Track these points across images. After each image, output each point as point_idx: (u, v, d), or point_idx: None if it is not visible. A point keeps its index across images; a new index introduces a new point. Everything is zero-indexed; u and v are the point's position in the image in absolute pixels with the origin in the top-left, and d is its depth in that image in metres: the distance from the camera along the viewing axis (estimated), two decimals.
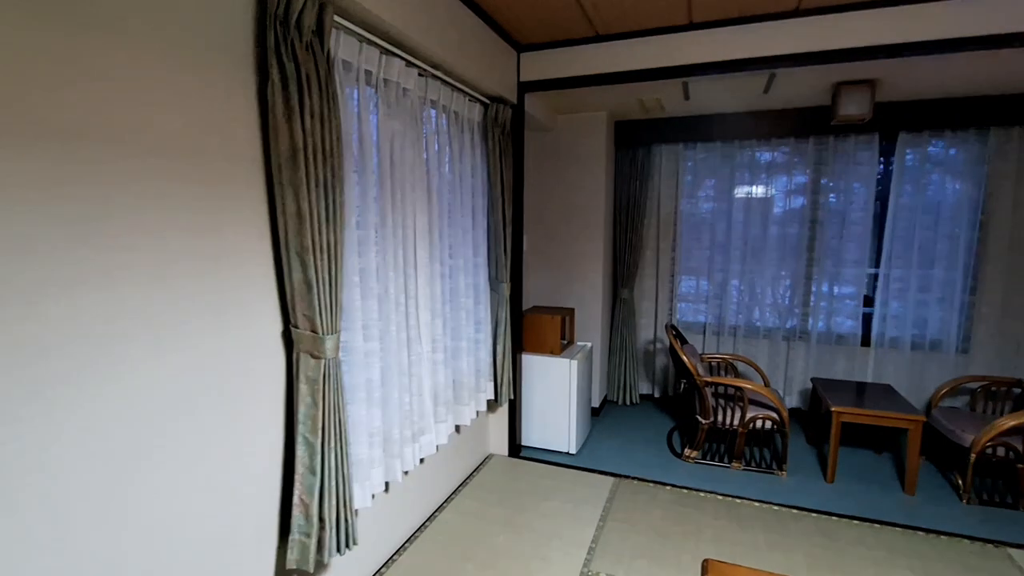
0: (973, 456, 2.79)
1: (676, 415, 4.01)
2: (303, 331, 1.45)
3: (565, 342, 3.48)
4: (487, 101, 2.68)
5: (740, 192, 3.88)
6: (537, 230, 3.83)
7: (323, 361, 1.45)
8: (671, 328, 3.50)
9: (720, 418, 3.20)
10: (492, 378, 2.90)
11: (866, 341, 3.70)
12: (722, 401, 3.22)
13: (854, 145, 3.55)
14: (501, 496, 2.81)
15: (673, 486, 2.96)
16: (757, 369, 3.71)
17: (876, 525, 2.60)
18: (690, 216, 4.03)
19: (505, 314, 2.84)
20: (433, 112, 2.22)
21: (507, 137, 2.78)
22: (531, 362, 3.29)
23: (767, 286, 3.89)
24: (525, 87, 2.91)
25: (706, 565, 1.65)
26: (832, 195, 3.68)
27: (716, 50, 2.56)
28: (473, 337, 2.64)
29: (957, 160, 3.42)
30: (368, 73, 1.74)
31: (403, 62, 1.91)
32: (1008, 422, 2.71)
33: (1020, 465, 2.76)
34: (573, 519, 2.60)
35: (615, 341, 4.13)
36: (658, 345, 4.26)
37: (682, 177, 3.99)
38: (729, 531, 2.52)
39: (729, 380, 3.15)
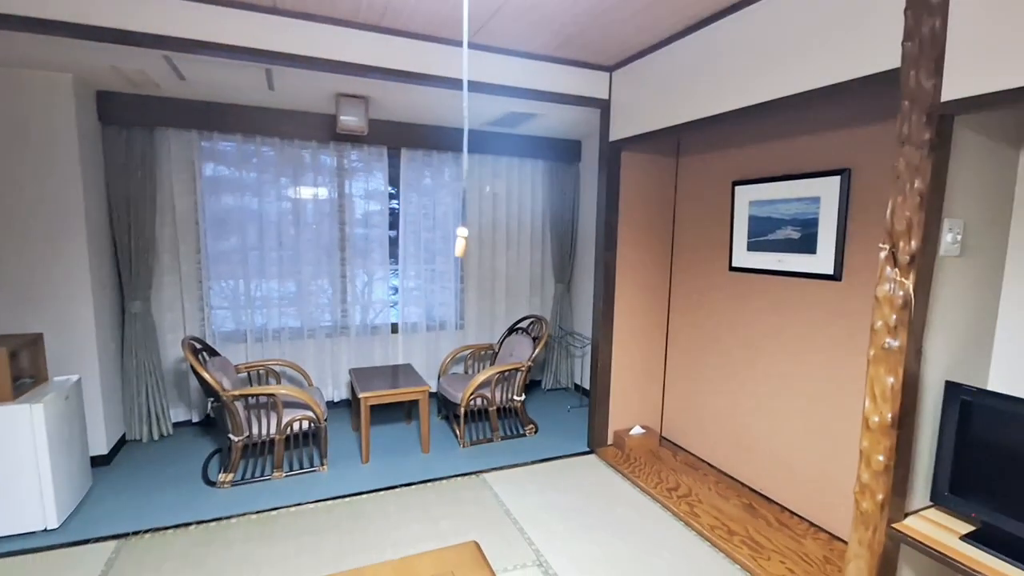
0: (462, 409, 3.81)
1: (218, 437, 3.83)
2: None
3: (28, 381, 2.75)
4: None
5: (270, 190, 3.97)
6: None
7: None
8: (190, 342, 3.29)
9: (255, 430, 3.23)
10: None
11: (395, 329, 4.51)
12: (258, 412, 3.26)
13: (368, 154, 4.22)
14: None
15: (200, 522, 2.81)
16: (300, 371, 3.95)
17: (397, 489, 3.21)
18: (215, 215, 3.86)
19: None
20: None
21: None
22: None
23: (307, 287, 4.17)
24: None
25: None
26: (356, 199, 4.27)
27: (183, 25, 2.47)
28: None
29: (444, 176, 4.53)
30: None
31: None
32: (479, 378, 3.83)
33: (490, 408, 3.96)
34: None
35: (130, 366, 3.56)
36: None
37: (200, 170, 3.76)
38: (259, 550, 2.58)
39: (257, 389, 3.21)
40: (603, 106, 3.53)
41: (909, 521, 1.92)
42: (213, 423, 4.04)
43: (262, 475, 3.30)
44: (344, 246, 4.24)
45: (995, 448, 1.80)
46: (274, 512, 2.93)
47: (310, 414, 3.36)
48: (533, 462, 3.61)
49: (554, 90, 3.32)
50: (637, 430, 3.83)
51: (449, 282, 4.65)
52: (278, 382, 3.91)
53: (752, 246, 3.17)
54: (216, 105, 3.61)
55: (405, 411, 4.31)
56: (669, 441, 3.95)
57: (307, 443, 3.72)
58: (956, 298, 1.92)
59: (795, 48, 2.26)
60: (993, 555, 1.70)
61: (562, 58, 3.29)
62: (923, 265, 1.79)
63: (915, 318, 1.81)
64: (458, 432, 3.94)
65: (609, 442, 3.89)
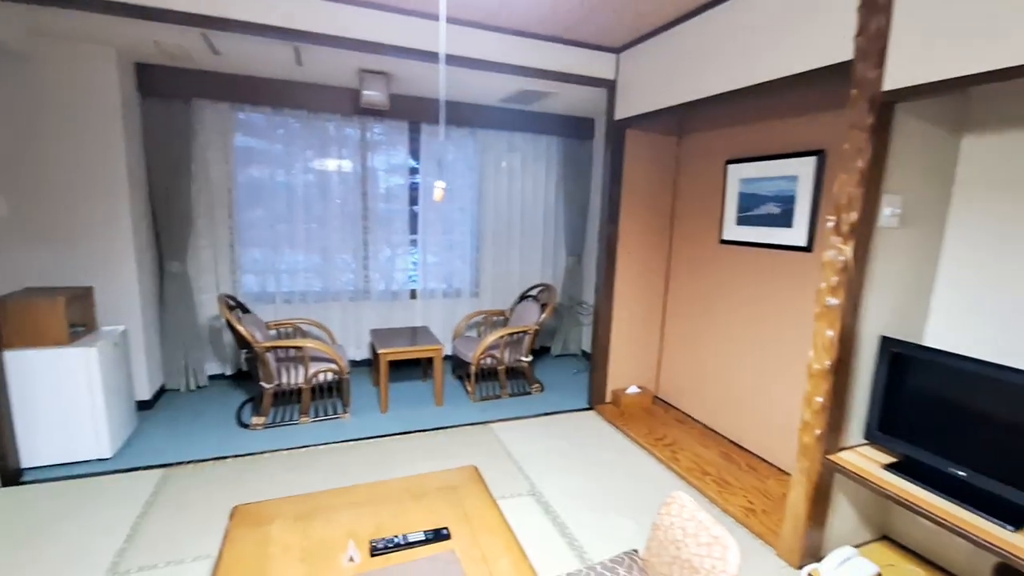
0: (473, 368, 4.06)
1: (250, 388, 4.12)
2: None
3: (80, 329, 3.03)
4: None
5: (298, 161, 4.18)
6: (14, 191, 3.10)
7: None
8: (225, 299, 3.54)
9: (284, 379, 3.50)
10: None
11: (414, 295, 4.75)
12: (287, 364, 3.52)
13: (390, 128, 4.41)
14: None
15: (236, 456, 3.10)
16: (324, 329, 4.21)
17: (412, 434, 3.49)
18: (246, 183, 4.09)
19: None
20: None
21: None
22: (24, 359, 2.73)
23: (332, 253, 4.40)
24: None
25: (233, 511, 1.88)
26: (379, 171, 4.47)
27: (220, 5, 2.66)
28: None
29: (462, 151, 4.71)
30: None
31: None
32: (489, 339, 4.07)
33: (499, 367, 4.20)
34: (99, 530, 2.42)
35: (168, 321, 3.84)
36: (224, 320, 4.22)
37: (232, 140, 3.98)
38: (291, 477, 2.89)
39: (287, 342, 3.48)
40: (610, 86, 3.68)
41: (842, 454, 2.23)
42: (245, 376, 4.33)
43: (290, 420, 3.58)
44: (367, 215, 4.44)
45: (919, 394, 2.09)
46: (303, 449, 3.21)
47: (334, 366, 3.63)
48: (536, 415, 3.87)
49: (564, 70, 3.47)
50: (633, 389, 4.05)
51: (466, 252, 4.87)
52: (303, 339, 4.17)
53: (740, 220, 3.39)
54: (248, 78, 3.81)
55: (422, 370, 4.58)
56: (663, 401, 4.21)
57: (331, 394, 4.00)
58: (895, 264, 2.17)
59: (770, 38, 2.50)
60: (908, 481, 2.01)
61: (572, 40, 3.43)
62: (862, 235, 2.05)
63: (853, 280, 2.07)
64: (469, 388, 4.19)
65: (607, 400, 4.13)
